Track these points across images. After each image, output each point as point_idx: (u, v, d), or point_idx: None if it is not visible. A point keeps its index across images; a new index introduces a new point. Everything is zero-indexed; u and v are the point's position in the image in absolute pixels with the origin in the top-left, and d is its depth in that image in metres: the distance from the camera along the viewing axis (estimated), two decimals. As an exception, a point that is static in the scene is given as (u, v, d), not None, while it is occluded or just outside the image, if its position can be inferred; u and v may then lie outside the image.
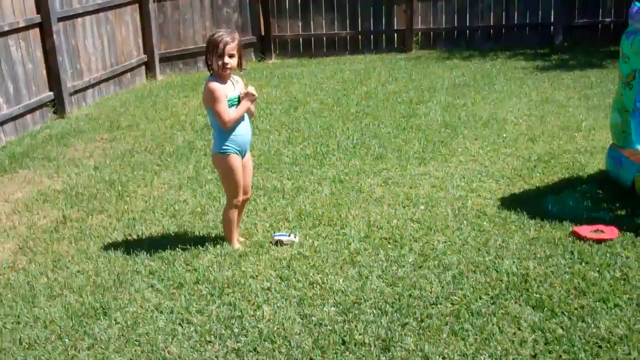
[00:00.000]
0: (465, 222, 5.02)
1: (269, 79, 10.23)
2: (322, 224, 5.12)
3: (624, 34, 5.27)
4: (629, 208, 5.05)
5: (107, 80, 9.61)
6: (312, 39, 12.02)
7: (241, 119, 4.57)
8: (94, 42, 9.28)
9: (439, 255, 4.52)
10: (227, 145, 4.56)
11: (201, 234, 5.04)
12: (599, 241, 4.54)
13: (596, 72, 9.76)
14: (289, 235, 4.86)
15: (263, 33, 11.76)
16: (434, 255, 4.53)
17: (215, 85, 4.44)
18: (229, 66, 4.43)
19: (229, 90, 4.49)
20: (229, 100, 4.48)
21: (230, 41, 4.41)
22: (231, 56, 4.42)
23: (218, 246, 4.78)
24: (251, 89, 4.58)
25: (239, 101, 4.54)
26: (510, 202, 5.31)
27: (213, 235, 5.01)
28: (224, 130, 4.52)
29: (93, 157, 6.97)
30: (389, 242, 4.77)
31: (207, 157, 6.73)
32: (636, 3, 5.15)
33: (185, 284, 4.32)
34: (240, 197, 4.73)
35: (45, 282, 4.47)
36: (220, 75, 4.48)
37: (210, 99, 4.44)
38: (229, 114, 4.46)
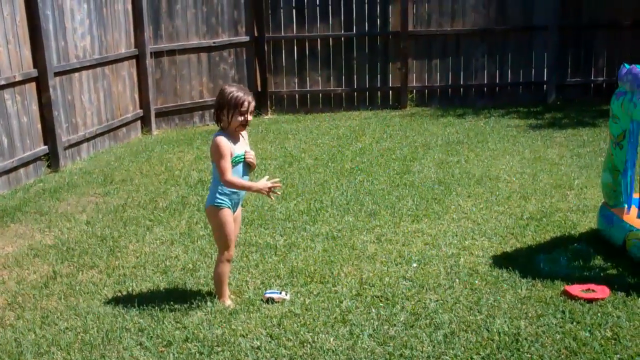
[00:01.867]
0: (457, 280, 5.01)
1: (264, 134, 10.31)
2: (314, 281, 5.10)
3: (614, 95, 5.34)
4: (620, 267, 5.05)
5: (102, 134, 9.68)
6: (308, 95, 12.15)
7: (241, 174, 4.59)
8: (90, 97, 9.38)
9: (430, 314, 4.50)
10: (222, 200, 4.58)
11: (192, 291, 5.01)
12: (590, 300, 4.53)
13: (588, 130, 9.85)
14: (280, 293, 4.84)
15: (259, 89, 11.89)
16: (426, 314, 4.50)
17: (223, 141, 4.47)
18: (248, 124, 4.53)
19: (237, 147, 4.54)
20: (236, 157, 4.52)
21: (252, 100, 4.52)
22: (251, 113, 4.53)
23: (209, 303, 4.75)
24: (251, 156, 4.63)
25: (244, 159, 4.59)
26: (502, 261, 5.30)
27: (204, 292, 4.98)
28: (222, 185, 4.55)
29: (86, 211, 6.97)
30: (380, 301, 4.74)
31: (201, 213, 6.73)
32: (625, 65, 5.23)
33: (174, 342, 4.28)
34: (232, 251, 4.73)
35: (33, 338, 4.42)
36: (233, 131, 4.52)
37: (216, 154, 4.47)
38: (231, 175, 4.48)
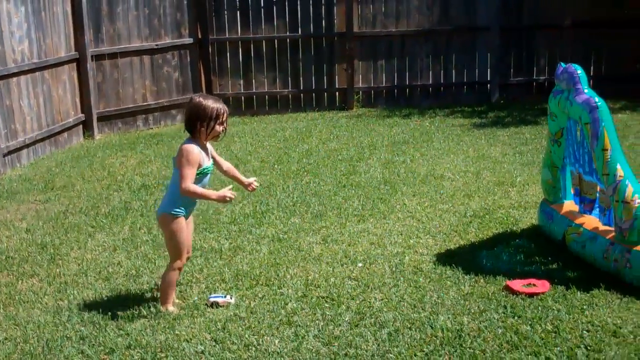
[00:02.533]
0: (402, 278, 5.04)
1: (209, 137, 10.21)
2: (260, 284, 5.07)
3: (551, 93, 5.45)
4: (560, 262, 5.15)
5: (42, 140, 9.47)
6: (254, 97, 12.10)
7: (206, 186, 4.57)
8: (30, 102, 9.17)
9: (375, 313, 4.52)
10: (179, 209, 4.53)
11: (135, 297, 4.93)
12: (531, 295, 4.61)
13: (530, 128, 10.03)
14: (225, 297, 4.80)
15: (204, 91, 11.78)
16: (371, 313, 4.52)
17: (195, 150, 4.44)
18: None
19: (206, 159, 4.52)
20: (205, 168, 4.51)
21: (227, 109, 4.58)
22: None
23: (152, 309, 4.68)
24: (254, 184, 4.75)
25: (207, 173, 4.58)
26: (446, 258, 5.36)
27: (147, 297, 4.91)
28: (180, 194, 4.46)
29: (25, 219, 6.81)
30: (326, 301, 4.74)
31: (144, 218, 6.64)
32: (561, 64, 5.34)
33: (116, 349, 4.21)
34: (184, 259, 4.69)
35: (-31, 351, 4.30)
36: (204, 141, 4.52)
37: (184, 160, 4.40)
38: (192, 184, 4.42)
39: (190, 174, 4.40)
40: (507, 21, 12.11)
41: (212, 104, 4.47)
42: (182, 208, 4.54)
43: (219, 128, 4.50)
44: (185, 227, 4.60)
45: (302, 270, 5.29)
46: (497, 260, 5.27)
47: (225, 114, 4.52)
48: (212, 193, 4.52)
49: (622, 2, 11.94)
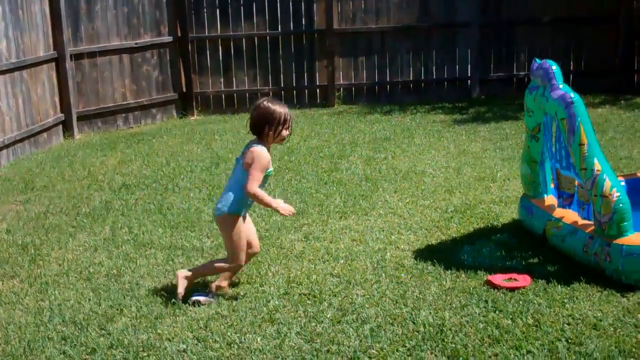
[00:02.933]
0: (384, 274, 5.05)
1: (190, 135, 10.19)
2: (242, 282, 5.07)
3: (527, 89, 5.48)
4: (541, 256, 5.19)
5: (22, 140, 9.38)
6: (235, 94, 12.08)
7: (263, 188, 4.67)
8: (9, 102, 9.09)
9: (357, 309, 4.53)
10: (239, 208, 4.64)
11: (117, 297, 4.91)
12: (512, 289, 4.64)
13: (511, 123, 10.09)
14: (207, 295, 4.79)
15: (184, 89, 11.76)
16: (353, 309, 4.53)
17: (266, 154, 4.60)
18: None
19: (270, 162, 4.67)
20: (268, 172, 4.67)
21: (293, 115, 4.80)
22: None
23: (133, 309, 4.68)
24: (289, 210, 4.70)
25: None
26: (428, 254, 5.38)
27: (129, 297, 4.89)
28: (245, 194, 4.57)
29: (6, 220, 6.76)
30: (308, 298, 4.75)
31: (125, 217, 6.61)
32: (536, 60, 5.36)
33: (98, 349, 4.19)
34: (244, 260, 4.77)
35: (-52, 353, 4.27)
36: (269, 144, 4.68)
37: (256, 163, 4.53)
38: (258, 188, 4.55)
39: (258, 177, 4.53)
40: (487, 17, 12.16)
41: (280, 108, 4.62)
42: (242, 207, 4.67)
43: (285, 132, 4.66)
44: (244, 226, 4.70)
45: (284, 267, 5.29)
46: (478, 255, 5.30)
47: (291, 119, 4.68)
48: (276, 202, 4.62)
49: (601, -3, 12.07)
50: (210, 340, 4.24)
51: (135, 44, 11.09)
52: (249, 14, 11.92)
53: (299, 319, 4.45)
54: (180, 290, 4.75)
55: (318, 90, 12.24)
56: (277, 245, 5.75)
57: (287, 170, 8.02)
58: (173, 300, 4.76)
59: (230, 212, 4.63)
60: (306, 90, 12.24)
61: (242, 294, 4.87)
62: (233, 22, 11.88)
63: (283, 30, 12.00)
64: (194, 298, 4.76)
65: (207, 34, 11.83)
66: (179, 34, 11.60)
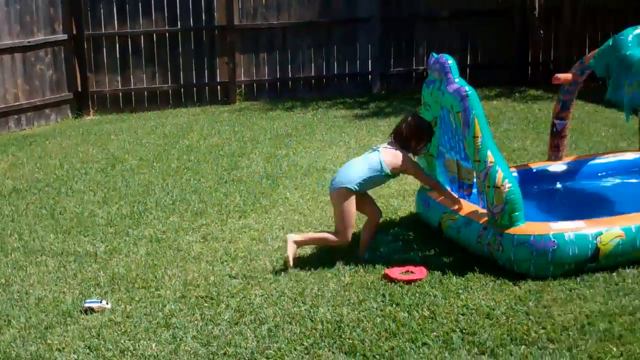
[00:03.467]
0: (282, 273, 5.01)
1: (85, 136, 9.84)
2: (136, 287, 4.93)
3: (424, 84, 5.54)
4: (437, 248, 5.26)
5: None
6: (133, 93, 11.76)
7: None
8: None
9: (255, 309, 4.47)
10: (357, 186, 5.05)
11: (4, 307, 4.69)
12: (409, 282, 4.68)
13: (410, 117, 10.20)
14: (101, 302, 4.64)
15: (80, 89, 11.35)
16: (251, 310, 4.47)
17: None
18: None
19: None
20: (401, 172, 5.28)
21: None
22: None
23: (22, 319, 4.49)
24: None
25: None
26: (327, 250, 5.36)
27: (17, 307, 4.68)
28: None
29: None
30: (205, 301, 4.66)
31: (15, 224, 6.33)
32: (433, 54, 5.43)
33: (-18, 364, 3.99)
34: (350, 237, 5.14)
35: None
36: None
37: (412, 163, 5.28)
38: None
39: (420, 169, 5.34)
40: (388, 12, 12.27)
41: (429, 129, 5.28)
42: (359, 187, 5.05)
43: (422, 150, 5.33)
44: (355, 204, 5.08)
45: (181, 270, 5.18)
46: (376, 249, 5.32)
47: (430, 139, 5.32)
48: (450, 193, 5.40)
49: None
50: (103, 348, 4.11)
51: (28, 42, 10.61)
52: (147, 10, 11.61)
53: (196, 322, 4.36)
54: (290, 254, 4.99)
55: (219, 87, 12.07)
56: (174, 248, 5.63)
57: (185, 170, 7.86)
58: (64, 307, 4.58)
59: (348, 186, 5.03)
60: (207, 88, 12.05)
61: (136, 299, 4.73)
62: (131, 19, 11.54)
63: (182, 27, 11.76)
64: (87, 305, 4.61)
65: (103, 31, 11.45)
66: (74, 32, 11.18)
